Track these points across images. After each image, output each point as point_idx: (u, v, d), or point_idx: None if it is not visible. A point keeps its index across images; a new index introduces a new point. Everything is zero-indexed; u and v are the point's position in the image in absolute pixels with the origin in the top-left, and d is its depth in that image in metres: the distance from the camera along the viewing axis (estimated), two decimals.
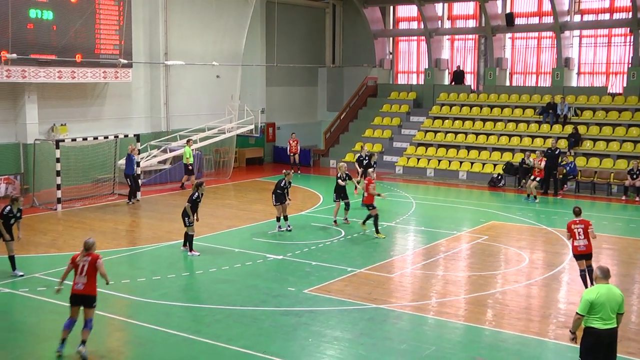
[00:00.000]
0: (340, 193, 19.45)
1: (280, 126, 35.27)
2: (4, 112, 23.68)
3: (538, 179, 23.84)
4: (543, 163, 23.99)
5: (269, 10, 33.10)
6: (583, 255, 12.93)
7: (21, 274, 14.27)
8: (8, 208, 14.11)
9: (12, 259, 14.26)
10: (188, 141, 25.77)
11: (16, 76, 22.60)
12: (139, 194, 23.31)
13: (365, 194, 18.49)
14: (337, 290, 13.56)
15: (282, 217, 18.47)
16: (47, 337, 11.15)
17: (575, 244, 12.91)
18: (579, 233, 12.82)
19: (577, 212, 13.02)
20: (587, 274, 12.83)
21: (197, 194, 16.16)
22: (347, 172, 19.56)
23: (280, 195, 18.27)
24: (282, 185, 18.26)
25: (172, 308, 12.45)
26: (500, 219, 20.87)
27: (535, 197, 23.58)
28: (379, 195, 18.60)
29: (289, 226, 18.61)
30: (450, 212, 22.21)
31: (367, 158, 24.07)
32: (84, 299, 10.27)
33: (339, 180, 19.29)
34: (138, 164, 23.55)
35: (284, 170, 18.92)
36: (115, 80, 25.97)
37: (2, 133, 23.70)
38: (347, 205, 19.61)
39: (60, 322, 11.77)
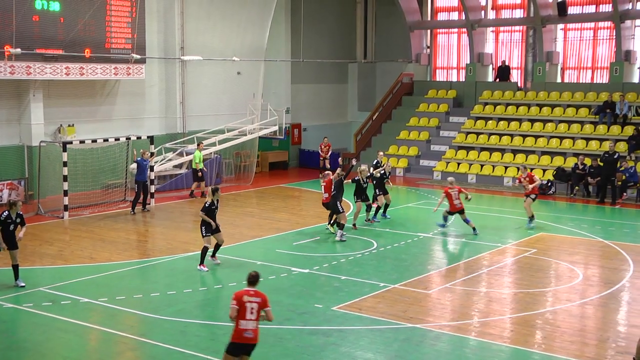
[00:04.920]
0: (362, 195, 20.43)
1: (306, 127, 35.37)
2: (7, 112, 24.09)
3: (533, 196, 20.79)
4: (534, 183, 20.73)
5: (294, 1, 33.24)
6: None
7: (23, 284, 14.52)
8: (6, 213, 14.39)
9: (15, 268, 14.54)
10: (199, 144, 25.87)
11: (20, 73, 22.99)
12: (152, 201, 23.56)
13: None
14: (368, 308, 13.54)
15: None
16: (53, 356, 11.31)
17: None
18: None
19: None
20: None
21: (211, 200, 16.12)
22: (368, 174, 20.70)
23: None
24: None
25: (189, 326, 12.54)
26: (550, 230, 20.66)
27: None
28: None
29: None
30: (494, 222, 22.03)
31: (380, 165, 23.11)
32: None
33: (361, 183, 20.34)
34: (152, 169, 23.80)
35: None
36: (127, 77, 26.28)
37: (5, 134, 24.10)
38: (369, 207, 20.93)
39: (68, 340, 11.96)
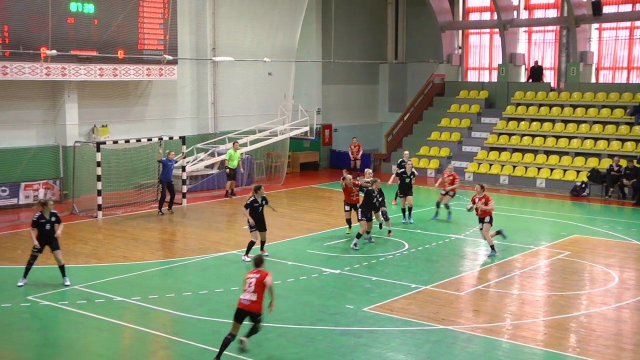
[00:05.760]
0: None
1: (337, 128, 35.38)
2: (43, 113, 24.46)
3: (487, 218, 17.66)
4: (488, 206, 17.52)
5: (325, 2, 33.27)
6: None
7: (68, 283, 14.80)
8: (38, 214, 14.61)
9: (61, 268, 14.80)
10: (234, 144, 26.08)
11: (56, 74, 23.34)
12: (184, 201, 23.77)
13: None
14: (400, 309, 13.51)
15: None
16: (87, 354, 11.46)
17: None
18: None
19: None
20: None
21: (253, 197, 16.58)
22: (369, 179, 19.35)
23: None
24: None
25: (221, 325, 12.58)
26: (584, 232, 20.43)
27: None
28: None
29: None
30: (527, 224, 21.85)
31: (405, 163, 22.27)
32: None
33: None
34: (183, 169, 24.05)
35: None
36: (160, 77, 26.51)
37: (41, 135, 24.48)
38: (384, 214, 19.29)
39: (102, 338, 12.13)
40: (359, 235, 18.04)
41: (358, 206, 18.76)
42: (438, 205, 21.80)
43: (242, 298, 10.86)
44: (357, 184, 19.32)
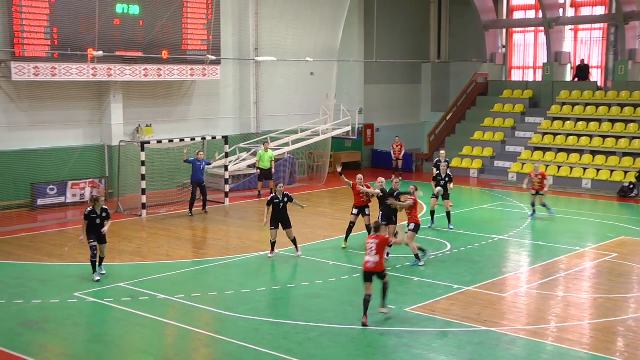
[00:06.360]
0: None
1: (379, 128, 35.29)
2: (89, 113, 24.90)
3: None
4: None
5: (367, 1, 33.22)
6: None
7: (103, 272, 15.35)
8: (90, 209, 15.12)
9: (101, 260, 15.33)
10: (264, 144, 26.01)
11: (102, 74, 23.73)
12: (227, 200, 23.93)
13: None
14: (442, 310, 13.42)
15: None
16: (131, 351, 11.63)
17: None
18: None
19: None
20: None
21: (274, 194, 16.91)
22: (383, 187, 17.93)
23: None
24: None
25: (262, 324, 12.68)
26: (632, 234, 20.01)
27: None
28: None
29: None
30: (572, 225, 21.50)
31: (440, 164, 21.83)
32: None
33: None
34: (226, 168, 24.22)
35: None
36: (203, 78, 26.76)
37: (88, 134, 24.92)
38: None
39: (146, 335, 12.29)
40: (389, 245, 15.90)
41: (379, 213, 17.37)
42: (533, 204, 22.00)
43: (367, 261, 12.43)
44: (368, 187, 18.30)
